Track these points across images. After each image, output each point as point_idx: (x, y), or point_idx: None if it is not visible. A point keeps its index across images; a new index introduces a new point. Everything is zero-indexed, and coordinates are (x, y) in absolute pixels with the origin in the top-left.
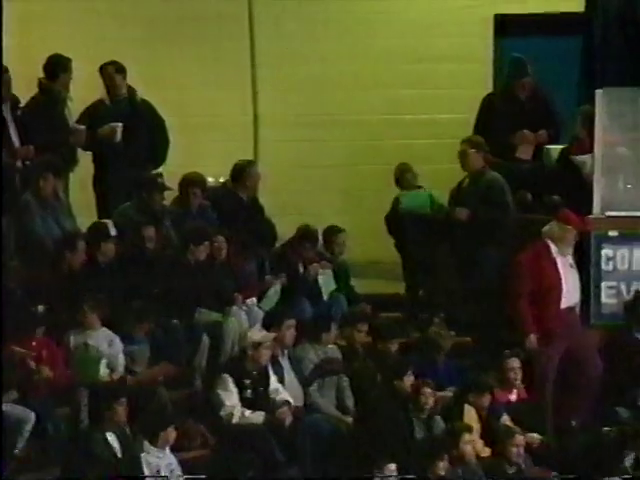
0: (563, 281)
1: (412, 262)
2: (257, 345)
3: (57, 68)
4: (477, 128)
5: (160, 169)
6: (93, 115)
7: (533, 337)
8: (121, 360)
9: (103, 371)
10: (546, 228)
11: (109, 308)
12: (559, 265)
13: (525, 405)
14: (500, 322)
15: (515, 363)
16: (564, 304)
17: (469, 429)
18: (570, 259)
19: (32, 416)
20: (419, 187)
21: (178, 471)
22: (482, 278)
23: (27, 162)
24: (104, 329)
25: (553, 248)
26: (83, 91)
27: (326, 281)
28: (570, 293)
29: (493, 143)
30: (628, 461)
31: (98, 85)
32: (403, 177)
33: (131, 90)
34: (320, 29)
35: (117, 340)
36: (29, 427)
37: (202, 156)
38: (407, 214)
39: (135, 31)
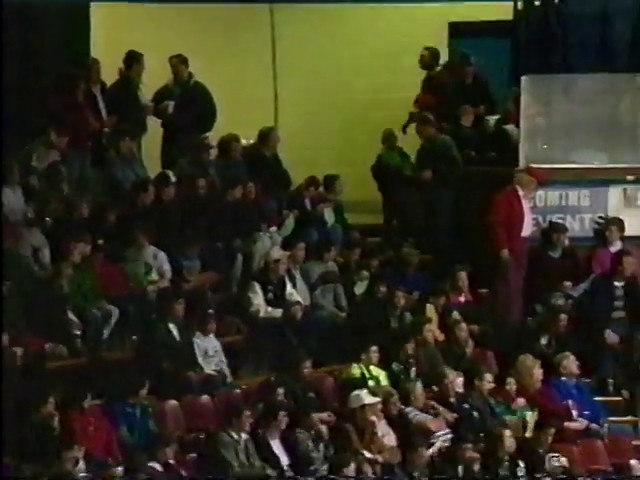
0: (525, 216)
1: (389, 201)
2: (277, 261)
3: (132, 61)
4: (436, 105)
5: (208, 133)
6: (161, 94)
7: (505, 251)
8: (167, 267)
9: (154, 276)
10: (517, 177)
11: (170, 234)
12: (524, 204)
13: (470, 305)
14: (453, 244)
15: (463, 275)
16: (524, 233)
17: (429, 321)
18: (529, 202)
19: (117, 312)
20: (396, 147)
21: (220, 351)
22: (440, 214)
23: (110, 129)
24: (151, 247)
25: (520, 192)
26: (157, 76)
27: (327, 215)
28: (528, 225)
29: (444, 114)
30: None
31: (167, 72)
32: (386, 139)
33: (190, 75)
34: (324, 39)
35: (161, 254)
36: (114, 319)
37: (237, 124)
38: (386, 166)
39: (192, 34)
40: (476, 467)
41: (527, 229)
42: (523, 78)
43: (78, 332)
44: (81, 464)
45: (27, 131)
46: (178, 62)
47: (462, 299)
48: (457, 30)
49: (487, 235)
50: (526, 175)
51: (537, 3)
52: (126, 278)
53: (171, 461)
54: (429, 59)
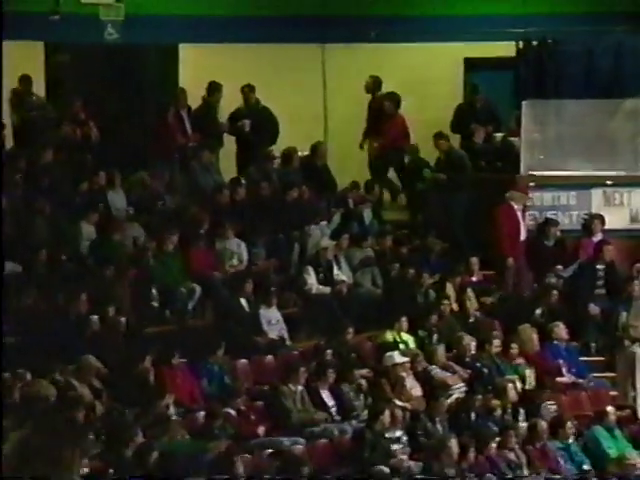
0: (521, 225)
1: (414, 201)
2: (326, 249)
3: (213, 89)
4: (452, 123)
5: (272, 147)
6: (235, 116)
7: (510, 260)
8: (245, 255)
9: (235, 262)
10: (508, 195)
11: (242, 226)
12: (518, 215)
13: (480, 283)
14: (466, 235)
15: (474, 260)
16: (522, 238)
17: (448, 297)
18: (523, 212)
19: (199, 289)
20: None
21: (281, 320)
22: (454, 212)
23: (194, 143)
24: (235, 238)
25: (515, 206)
26: (232, 101)
27: (366, 213)
28: (523, 232)
29: (462, 132)
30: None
31: (239, 98)
32: (411, 151)
33: (257, 100)
34: (364, 70)
35: (243, 245)
36: (197, 295)
37: (295, 139)
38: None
39: (259, 67)
40: (485, 413)
41: (523, 234)
42: (523, 103)
43: (156, 304)
44: (171, 409)
45: (131, 145)
46: (248, 90)
47: (474, 279)
48: (471, 64)
49: (494, 245)
50: (517, 192)
51: (534, 43)
52: (214, 262)
53: (242, 408)
54: (372, 86)
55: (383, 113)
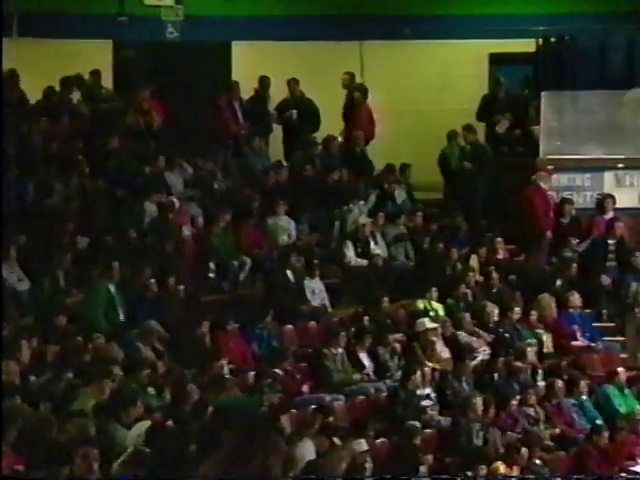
0: (550, 201)
1: (448, 184)
2: (363, 225)
3: (264, 83)
4: (478, 113)
5: (315, 134)
6: (282, 106)
7: (549, 233)
8: (293, 231)
9: (285, 237)
10: (535, 176)
11: (288, 205)
12: (548, 195)
13: (505, 259)
14: (490, 216)
15: (499, 239)
16: (551, 214)
17: (473, 269)
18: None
19: (249, 261)
20: (457, 142)
21: (323, 290)
22: (479, 195)
23: (245, 131)
24: (283, 215)
25: (543, 186)
26: (277, 93)
27: (400, 194)
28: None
29: (487, 120)
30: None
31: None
32: (452, 136)
33: (302, 92)
34: (398, 65)
35: (290, 220)
36: (248, 267)
37: (335, 127)
38: (446, 159)
39: (303, 62)
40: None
41: (552, 210)
42: (542, 94)
43: (212, 275)
44: (225, 369)
45: (189, 132)
46: (294, 83)
47: (500, 256)
48: (496, 59)
49: (531, 221)
50: (542, 173)
51: (552, 40)
52: (263, 238)
53: (288, 368)
54: (348, 82)
55: (353, 103)
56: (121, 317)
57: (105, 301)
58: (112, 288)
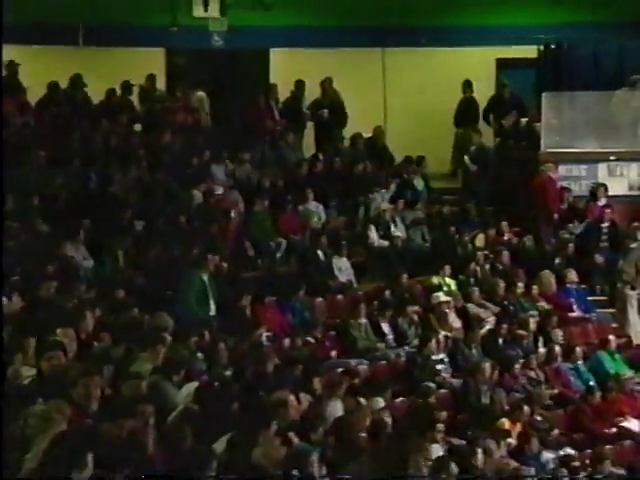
0: (558, 189)
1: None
2: (385, 211)
3: (298, 85)
4: (484, 112)
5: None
6: (314, 105)
7: (556, 215)
8: (323, 215)
9: (316, 220)
10: (544, 167)
11: (319, 193)
12: (557, 182)
13: (510, 241)
14: (499, 201)
15: (504, 223)
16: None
17: (482, 250)
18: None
19: (285, 242)
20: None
21: (349, 267)
22: (488, 184)
23: (281, 127)
24: (314, 202)
25: (552, 176)
26: (310, 93)
27: (417, 182)
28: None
29: (494, 118)
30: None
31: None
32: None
33: (335, 91)
34: (418, 69)
35: (321, 206)
36: (283, 247)
37: (361, 124)
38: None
39: (333, 66)
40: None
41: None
42: (543, 94)
43: (252, 254)
44: (263, 337)
45: (231, 129)
46: (328, 82)
47: (506, 238)
48: (502, 64)
49: (543, 206)
50: (549, 164)
51: (553, 47)
52: (300, 221)
53: (319, 336)
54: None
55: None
56: (212, 306)
57: (199, 290)
58: (205, 277)
